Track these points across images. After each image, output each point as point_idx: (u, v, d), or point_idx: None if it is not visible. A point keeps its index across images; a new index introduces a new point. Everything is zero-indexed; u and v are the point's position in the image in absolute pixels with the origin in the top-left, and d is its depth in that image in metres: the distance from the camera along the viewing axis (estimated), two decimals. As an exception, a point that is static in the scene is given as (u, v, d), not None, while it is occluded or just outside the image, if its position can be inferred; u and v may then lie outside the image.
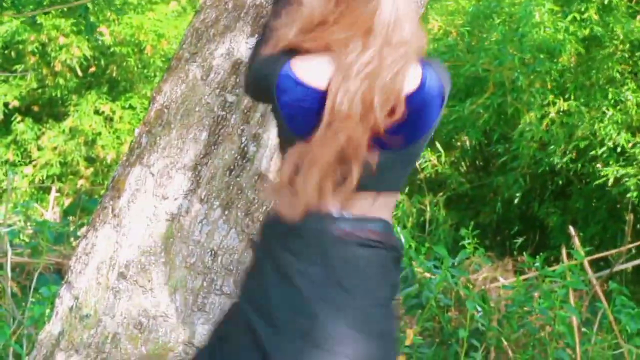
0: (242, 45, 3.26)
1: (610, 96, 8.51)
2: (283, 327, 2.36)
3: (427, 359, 4.92)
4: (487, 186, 10.47)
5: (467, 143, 10.59)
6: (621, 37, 8.49)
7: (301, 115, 2.33)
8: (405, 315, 5.39)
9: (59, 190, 12.48)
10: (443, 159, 10.08)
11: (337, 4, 2.32)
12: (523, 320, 5.15)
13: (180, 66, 3.35)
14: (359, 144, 2.29)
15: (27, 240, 7.29)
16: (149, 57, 13.83)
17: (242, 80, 2.76)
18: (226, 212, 3.18)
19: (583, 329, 5.31)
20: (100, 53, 14.12)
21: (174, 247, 3.16)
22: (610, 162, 8.46)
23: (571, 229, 6.25)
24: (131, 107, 14.13)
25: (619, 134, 8.34)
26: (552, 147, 8.78)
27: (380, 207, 2.44)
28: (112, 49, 13.81)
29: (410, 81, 2.32)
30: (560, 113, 8.86)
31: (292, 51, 2.36)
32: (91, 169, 14.12)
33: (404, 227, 8.54)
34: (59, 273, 6.00)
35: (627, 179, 8.23)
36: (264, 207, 3.21)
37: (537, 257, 5.51)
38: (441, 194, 10.16)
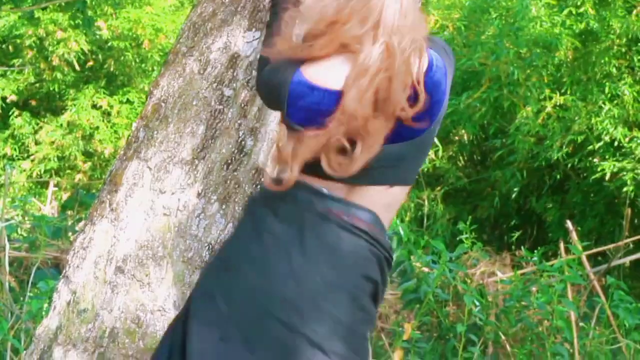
0: (239, 39, 3.25)
1: (607, 90, 8.51)
2: (236, 280, 2.37)
3: (425, 353, 4.93)
4: (485, 180, 10.47)
5: (465, 137, 10.58)
6: (618, 31, 8.49)
7: (319, 117, 2.33)
8: (403, 309, 5.40)
9: (56, 185, 12.48)
10: (441, 153, 10.09)
11: None
12: (521, 315, 5.16)
13: (177, 60, 3.35)
14: (368, 132, 2.30)
15: (25, 234, 7.29)
16: (146, 51, 13.85)
17: (255, 84, 2.76)
18: (224, 207, 3.18)
19: (581, 324, 5.32)
20: (98, 47, 14.13)
21: (171, 242, 3.16)
22: (607, 157, 8.46)
23: (569, 224, 6.26)
24: (129, 101, 14.13)
25: (615, 128, 8.34)
26: (548, 141, 8.78)
27: (379, 202, 2.43)
28: (109, 43, 13.81)
29: (421, 65, 2.33)
30: (557, 107, 8.86)
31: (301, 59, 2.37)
32: (89, 163, 14.13)
33: (402, 221, 8.53)
34: (57, 267, 6.01)
35: (624, 174, 8.23)
36: (262, 202, 3.21)
37: (535, 251, 5.52)
38: (439, 188, 10.16)
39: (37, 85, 14.51)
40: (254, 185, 3.22)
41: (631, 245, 7.47)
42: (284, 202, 2.40)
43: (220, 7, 3.33)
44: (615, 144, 8.41)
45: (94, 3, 12.76)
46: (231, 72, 3.25)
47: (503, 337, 5.07)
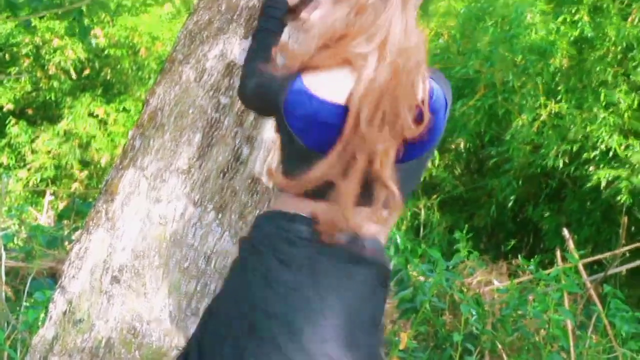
0: (235, 47, 3.25)
1: (602, 98, 8.51)
2: (259, 330, 2.36)
3: (422, 362, 4.92)
4: (481, 189, 10.47)
5: (462, 145, 10.59)
6: (613, 39, 8.49)
7: (316, 128, 2.34)
8: (400, 318, 5.38)
9: (53, 194, 12.47)
10: (437, 161, 10.09)
11: (357, 14, 2.34)
12: (517, 324, 5.14)
13: (173, 68, 3.34)
14: (386, 158, 2.30)
15: (21, 244, 7.27)
16: (143, 59, 13.86)
17: (238, 87, 2.77)
18: (220, 215, 3.17)
19: (577, 332, 5.31)
20: (95, 55, 14.13)
21: (167, 251, 3.15)
22: (603, 165, 8.46)
23: (565, 232, 6.25)
24: (125, 109, 14.14)
25: (610, 136, 8.34)
26: (544, 150, 8.78)
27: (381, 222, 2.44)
28: (106, 51, 13.82)
29: (425, 87, 2.34)
30: (552, 115, 8.86)
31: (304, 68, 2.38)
32: (85, 172, 14.13)
33: (398, 229, 8.53)
34: (53, 277, 5.99)
35: (618, 182, 8.23)
36: (258, 210, 3.21)
37: (532, 260, 5.51)
38: (435, 196, 10.16)
39: (34, 93, 14.52)
40: (250, 194, 3.21)
41: (628, 254, 7.46)
42: (287, 244, 2.39)
43: (216, 15, 3.33)
44: (611, 152, 8.41)
45: (90, 10, 12.77)
46: (227, 80, 3.25)
47: (500, 346, 5.06)
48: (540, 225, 9.76)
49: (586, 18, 8.77)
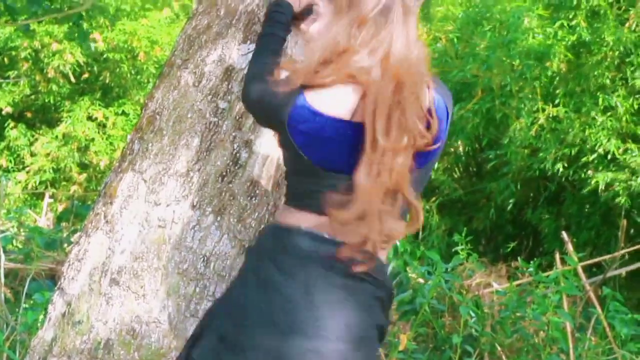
0: (233, 51, 3.26)
1: (600, 102, 8.52)
2: (252, 337, 2.36)
3: (421, 364, 4.92)
4: (480, 192, 10.48)
5: (461, 149, 10.60)
6: (611, 43, 8.50)
7: (319, 143, 2.34)
8: (399, 320, 5.39)
9: (52, 196, 12.47)
10: (436, 164, 10.09)
11: (359, 27, 2.34)
12: (517, 326, 5.15)
13: (172, 73, 3.35)
14: (405, 172, 2.31)
15: (20, 246, 7.28)
16: (142, 63, 13.87)
17: (242, 90, 2.76)
18: (218, 219, 3.18)
19: (577, 335, 5.31)
20: (94, 59, 14.14)
21: (166, 254, 3.15)
22: (601, 169, 8.47)
23: (564, 235, 6.26)
24: (124, 113, 14.15)
25: (609, 140, 8.34)
26: (542, 153, 8.79)
27: None
28: (105, 55, 13.83)
29: (430, 96, 2.35)
30: (550, 119, 8.87)
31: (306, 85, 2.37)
32: (84, 175, 14.13)
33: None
34: (52, 279, 6.00)
35: (617, 185, 8.23)
36: (256, 214, 3.21)
37: (531, 262, 5.51)
38: (434, 199, 10.16)
39: (33, 97, 14.52)
40: (249, 198, 3.22)
41: (627, 256, 7.47)
42: (286, 254, 2.40)
43: (215, 20, 3.34)
44: (609, 156, 8.41)
45: (89, 15, 12.78)
46: (226, 84, 3.26)
47: (499, 348, 5.06)
48: (540, 228, 9.76)
49: (583, 23, 8.77)
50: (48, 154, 13.91)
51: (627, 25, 8.58)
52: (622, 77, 8.75)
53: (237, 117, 3.23)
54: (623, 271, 7.39)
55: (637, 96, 8.48)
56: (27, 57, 13.72)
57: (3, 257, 5.43)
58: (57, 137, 14.02)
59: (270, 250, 2.43)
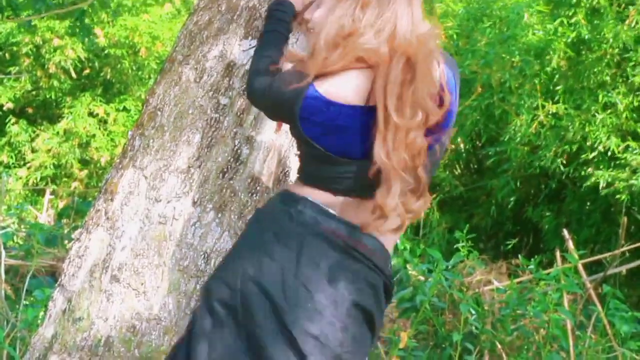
0: (235, 47, 3.25)
1: (600, 99, 8.51)
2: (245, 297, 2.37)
3: (421, 361, 4.93)
4: (481, 189, 10.47)
5: (462, 145, 10.58)
6: (610, 40, 8.48)
7: (335, 133, 2.34)
8: (399, 318, 5.39)
9: (53, 193, 12.46)
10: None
11: (363, 8, 2.34)
12: (517, 324, 5.15)
13: (173, 68, 3.35)
14: (422, 147, 2.31)
15: (20, 242, 7.28)
16: (143, 59, 13.84)
17: (247, 86, 2.76)
18: (219, 215, 3.18)
19: (577, 332, 5.31)
20: (95, 55, 14.12)
21: (167, 250, 3.15)
22: (602, 167, 8.46)
23: (565, 232, 6.25)
24: (125, 109, 14.13)
25: (609, 138, 8.33)
26: (542, 150, 8.78)
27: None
28: (106, 51, 13.81)
29: (441, 71, 2.36)
30: (550, 116, 8.86)
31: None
32: (85, 171, 14.12)
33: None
34: (53, 276, 5.99)
35: (617, 183, 8.22)
36: (257, 210, 3.21)
37: (532, 260, 5.51)
38: (435, 196, 10.15)
39: (34, 92, 14.51)
40: (250, 194, 3.22)
41: (627, 254, 7.46)
42: (289, 220, 2.40)
43: (216, 15, 3.34)
44: (609, 153, 8.40)
45: (90, 10, 12.78)
46: (227, 80, 3.26)
47: (499, 346, 5.06)
48: (540, 226, 9.75)
49: (583, 21, 8.76)
50: (49, 150, 13.89)
51: (627, 22, 8.56)
52: (622, 74, 8.74)
53: (238, 113, 3.22)
54: (623, 269, 7.38)
55: (637, 93, 8.47)
56: (29, 52, 13.70)
57: (3, 253, 5.43)
58: (58, 133, 14.00)
59: (275, 214, 2.43)
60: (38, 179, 13.67)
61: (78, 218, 7.50)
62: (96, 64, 14.30)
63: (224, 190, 3.20)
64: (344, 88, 2.33)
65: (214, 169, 3.20)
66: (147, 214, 3.20)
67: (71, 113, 13.91)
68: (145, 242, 3.18)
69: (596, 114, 8.48)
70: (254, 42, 3.22)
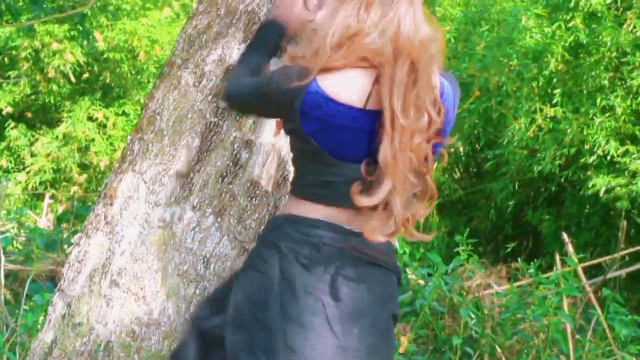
0: (234, 51, 3.25)
1: (598, 103, 8.51)
2: (273, 329, 2.35)
3: (421, 366, 4.92)
4: (480, 192, 10.47)
5: (461, 149, 10.59)
6: (609, 44, 8.49)
7: (331, 131, 2.34)
8: (399, 322, 5.39)
9: (52, 197, 12.46)
10: (436, 164, 10.06)
11: (367, 9, 2.34)
12: (517, 327, 5.15)
13: (172, 72, 3.34)
14: (428, 152, 2.32)
15: (20, 247, 7.28)
16: (142, 63, 13.85)
17: (229, 88, 2.76)
18: (219, 220, 3.17)
19: (577, 336, 5.31)
20: (94, 59, 14.13)
21: (166, 255, 3.15)
22: (601, 171, 8.46)
23: (564, 236, 6.26)
24: (124, 113, 14.14)
25: (607, 141, 8.33)
26: (540, 154, 8.78)
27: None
28: (105, 55, 13.82)
29: (437, 79, 2.37)
30: (548, 119, 8.86)
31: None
32: (85, 176, 14.12)
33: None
34: (53, 280, 6.00)
35: (618, 189, 8.22)
36: (257, 215, 3.21)
37: (531, 263, 5.51)
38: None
39: (33, 97, 14.51)
40: (249, 198, 3.21)
41: (627, 257, 7.47)
42: (311, 249, 2.38)
43: (215, 19, 3.33)
44: (608, 157, 8.41)
45: (90, 14, 12.78)
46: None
47: (499, 350, 5.06)
48: (540, 229, 9.76)
49: (581, 25, 8.76)
50: (48, 155, 13.90)
51: (624, 26, 8.56)
52: (620, 78, 8.75)
53: (237, 118, 3.22)
54: (623, 272, 7.39)
55: (635, 96, 8.47)
56: (28, 56, 13.71)
57: (3, 258, 5.43)
58: (57, 137, 14.01)
59: (292, 241, 2.42)
60: (37, 183, 13.67)
61: (77, 222, 7.51)
62: (95, 68, 14.31)
63: (224, 195, 3.19)
64: (344, 87, 2.33)
65: (213, 173, 3.20)
66: (147, 218, 3.19)
67: (70, 117, 13.92)
68: (144, 247, 3.17)
69: (594, 118, 8.48)
70: (253, 47, 3.23)
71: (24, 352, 4.27)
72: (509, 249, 9.50)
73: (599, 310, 5.45)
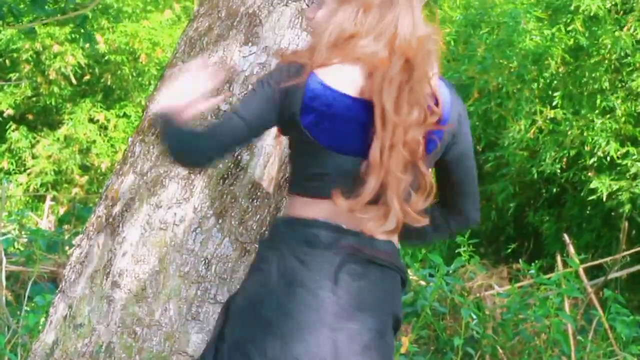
0: (235, 53, 3.25)
1: (598, 104, 8.51)
2: (274, 326, 2.35)
3: (422, 367, 4.93)
4: (481, 193, 10.45)
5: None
6: (609, 46, 8.48)
7: (328, 121, 2.33)
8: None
9: (53, 199, 12.47)
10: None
11: (365, 12, 2.35)
12: (518, 328, 5.15)
13: (173, 75, 3.35)
14: (419, 144, 2.32)
15: (21, 248, 7.28)
16: (143, 65, 13.87)
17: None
18: (220, 221, 3.17)
19: (578, 337, 5.31)
20: (95, 61, 14.14)
21: (167, 256, 3.15)
22: (602, 172, 8.46)
23: (566, 237, 6.26)
24: (126, 115, 14.15)
25: (608, 143, 8.33)
26: (541, 155, 8.78)
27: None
28: (106, 57, 13.83)
29: (434, 74, 2.38)
30: (548, 121, 8.86)
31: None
32: (86, 177, 14.14)
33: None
34: (54, 282, 6.00)
35: (620, 193, 8.22)
36: (258, 216, 3.21)
37: (532, 264, 5.51)
38: (435, 200, 10.13)
39: (34, 99, 14.53)
40: (251, 200, 3.22)
41: (628, 258, 7.47)
42: (307, 246, 2.39)
43: (216, 21, 3.34)
44: (609, 159, 8.41)
45: (91, 17, 12.79)
46: (227, 86, 3.25)
47: (500, 351, 5.06)
48: (541, 230, 9.76)
49: (581, 28, 8.76)
50: (49, 156, 13.91)
51: (625, 29, 8.56)
52: (620, 79, 8.75)
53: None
54: (624, 273, 7.39)
55: (636, 98, 8.47)
56: (29, 59, 13.73)
57: (4, 259, 5.44)
58: (58, 139, 14.03)
59: (288, 241, 2.42)
60: (38, 185, 13.68)
61: (79, 224, 7.51)
62: (96, 70, 14.33)
63: (225, 196, 3.20)
64: (341, 77, 2.34)
65: (214, 175, 3.20)
66: (148, 220, 3.20)
67: (71, 119, 13.94)
68: (146, 248, 3.18)
69: (595, 119, 8.48)
70: (254, 48, 3.23)
71: (26, 354, 4.27)
72: (510, 250, 9.51)
73: (600, 311, 5.45)
